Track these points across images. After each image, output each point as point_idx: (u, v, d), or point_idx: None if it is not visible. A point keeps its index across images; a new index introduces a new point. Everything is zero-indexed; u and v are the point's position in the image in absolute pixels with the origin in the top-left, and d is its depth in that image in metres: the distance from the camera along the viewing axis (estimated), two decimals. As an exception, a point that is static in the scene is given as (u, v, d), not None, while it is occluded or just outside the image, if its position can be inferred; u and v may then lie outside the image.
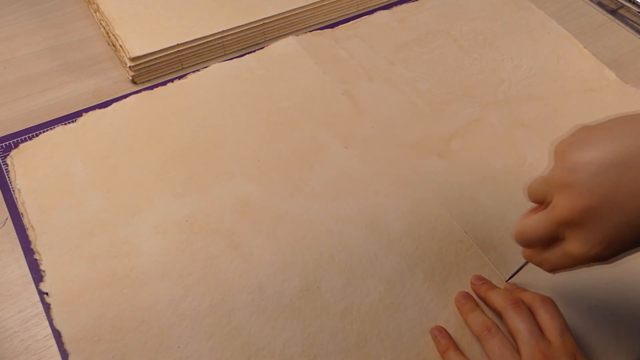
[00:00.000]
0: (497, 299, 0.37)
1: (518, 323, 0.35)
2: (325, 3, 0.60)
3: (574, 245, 0.29)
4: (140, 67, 0.52)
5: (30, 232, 0.41)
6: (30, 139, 0.47)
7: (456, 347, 0.37)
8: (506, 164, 0.49)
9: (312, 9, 0.60)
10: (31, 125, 0.48)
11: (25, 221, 0.41)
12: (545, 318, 0.35)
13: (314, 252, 0.42)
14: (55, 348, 0.36)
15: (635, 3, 0.66)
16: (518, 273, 0.40)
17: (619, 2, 0.67)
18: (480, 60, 0.58)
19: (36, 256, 0.40)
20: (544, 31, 0.62)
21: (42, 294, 0.38)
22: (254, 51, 0.56)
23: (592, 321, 0.39)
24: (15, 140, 0.47)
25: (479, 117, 0.53)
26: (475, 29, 0.62)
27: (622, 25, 0.65)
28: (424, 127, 0.51)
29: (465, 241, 0.43)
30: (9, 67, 0.54)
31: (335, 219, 0.44)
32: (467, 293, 0.40)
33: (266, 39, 0.59)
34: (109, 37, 0.55)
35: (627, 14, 0.66)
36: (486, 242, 0.43)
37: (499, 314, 0.37)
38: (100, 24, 0.57)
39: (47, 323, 0.37)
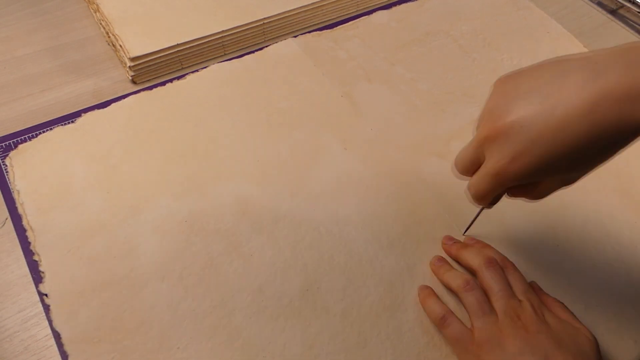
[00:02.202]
0: (471, 258, 0.40)
1: (492, 281, 0.38)
2: (324, 3, 0.60)
3: (489, 161, 0.32)
4: (140, 67, 0.52)
5: (29, 233, 0.41)
6: (29, 139, 0.47)
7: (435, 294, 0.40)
8: (506, 164, 0.49)
9: (311, 9, 0.60)
10: (30, 126, 0.48)
11: (24, 222, 0.41)
12: (512, 278, 0.38)
13: (314, 252, 0.42)
14: (55, 348, 0.36)
15: (635, 3, 0.66)
16: (472, 225, 0.43)
17: (619, 2, 0.67)
18: (480, 60, 0.58)
19: (35, 257, 0.40)
20: (544, 31, 0.62)
21: (42, 294, 0.38)
22: (254, 52, 0.56)
23: (592, 321, 0.39)
24: (14, 140, 0.47)
25: (479, 117, 0.53)
26: (474, 29, 0.62)
27: (622, 25, 0.65)
28: (424, 128, 0.51)
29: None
30: (9, 67, 0.54)
31: (335, 219, 0.44)
32: (441, 257, 0.42)
33: (266, 39, 0.59)
34: (109, 37, 0.55)
35: (627, 14, 0.66)
36: (485, 242, 0.43)
37: (473, 272, 0.40)
38: (100, 24, 0.57)
39: (46, 323, 0.37)
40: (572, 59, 0.30)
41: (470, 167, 0.35)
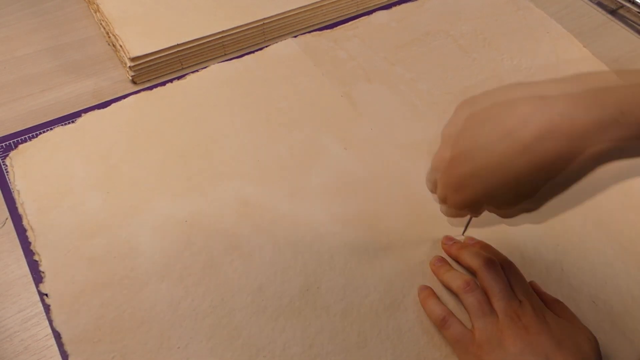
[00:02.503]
0: (471, 259, 0.40)
1: (492, 282, 0.37)
2: (324, 3, 0.60)
3: (438, 188, 0.34)
4: (140, 67, 0.52)
5: (29, 233, 0.41)
6: (29, 139, 0.47)
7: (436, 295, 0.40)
8: (506, 164, 0.49)
9: (311, 9, 0.60)
10: (31, 126, 0.48)
11: (24, 222, 0.41)
12: (512, 279, 0.38)
13: (314, 252, 0.42)
14: (55, 348, 0.36)
15: (635, 3, 0.66)
16: (472, 225, 0.43)
17: (618, 2, 0.67)
18: (480, 60, 0.58)
19: (36, 257, 0.40)
20: (544, 31, 0.62)
21: (42, 294, 0.38)
22: (254, 52, 0.56)
23: (592, 321, 0.39)
24: (15, 140, 0.47)
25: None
26: (474, 29, 0.62)
27: (622, 25, 0.65)
28: (424, 128, 0.51)
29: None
30: (9, 67, 0.54)
31: (335, 219, 0.44)
32: (441, 257, 0.42)
33: (266, 39, 0.59)
34: (109, 37, 0.55)
35: (627, 14, 0.66)
36: (485, 242, 0.43)
37: (473, 272, 0.40)
38: (101, 24, 0.57)
39: (47, 323, 0.37)
40: (522, 91, 0.30)
41: (432, 187, 0.36)
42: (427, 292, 0.40)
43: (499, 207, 0.32)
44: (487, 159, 0.29)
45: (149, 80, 0.54)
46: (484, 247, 0.42)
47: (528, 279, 0.40)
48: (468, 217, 0.41)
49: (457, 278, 0.39)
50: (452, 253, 0.42)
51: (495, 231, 0.44)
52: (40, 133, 0.47)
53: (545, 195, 0.30)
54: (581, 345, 0.34)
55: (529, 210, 0.32)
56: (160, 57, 0.53)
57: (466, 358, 0.36)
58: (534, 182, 0.29)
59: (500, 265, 0.39)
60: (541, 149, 0.27)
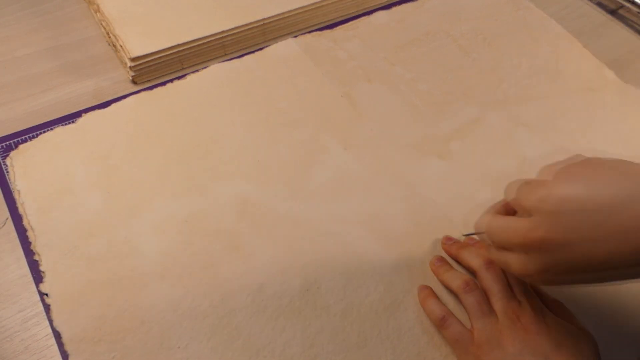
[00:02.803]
0: (471, 259, 0.40)
1: (492, 282, 0.38)
2: (325, 3, 0.60)
3: (515, 261, 0.32)
4: (140, 67, 0.52)
5: (30, 233, 0.41)
6: (30, 139, 0.47)
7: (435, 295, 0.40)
8: (506, 164, 0.49)
9: (312, 9, 0.60)
10: (31, 126, 0.48)
11: (24, 222, 0.41)
12: (512, 279, 0.38)
13: (314, 252, 0.42)
14: (55, 347, 0.36)
15: (635, 3, 0.66)
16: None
17: (618, 2, 0.67)
18: (480, 60, 0.58)
19: (36, 257, 0.40)
20: (544, 31, 0.62)
21: (42, 294, 0.38)
22: (254, 52, 0.56)
23: (592, 321, 0.39)
24: (15, 140, 0.47)
25: (479, 117, 0.53)
26: (474, 29, 0.62)
27: (622, 25, 0.65)
28: (424, 128, 0.51)
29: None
30: (9, 67, 0.54)
31: (335, 219, 0.44)
32: (441, 257, 0.42)
33: (266, 39, 0.59)
34: (109, 37, 0.55)
35: (627, 14, 0.66)
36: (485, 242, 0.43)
37: (473, 273, 0.40)
38: (101, 24, 0.57)
39: (47, 323, 0.37)
40: (630, 176, 0.29)
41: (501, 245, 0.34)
42: (426, 291, 0.40)
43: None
44: (588, 254, 0.28)
45: (149, 80, 0.54)
46: (484, 247, 0.42)
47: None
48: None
49: (456, 278, 0.39)
50: (452, 253, 0.42)
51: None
52: (41, 133, 0.47)
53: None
54: (580, 347, 0.34)
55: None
56: (160, 57, 0.53)
57: (465, 358, 0.36)
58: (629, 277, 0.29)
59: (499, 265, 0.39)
60: None
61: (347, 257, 0.42)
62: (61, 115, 0.49)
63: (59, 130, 0.47)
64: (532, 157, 0.50)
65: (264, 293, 0.39)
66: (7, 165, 0.45)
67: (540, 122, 0.53)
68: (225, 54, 0.57)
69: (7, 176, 0.44)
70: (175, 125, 0.49)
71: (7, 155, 0.45)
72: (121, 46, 0.52)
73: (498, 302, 0.37)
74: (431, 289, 0.40)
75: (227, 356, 0.36)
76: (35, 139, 0.47)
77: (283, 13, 0.58)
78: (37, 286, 0.39)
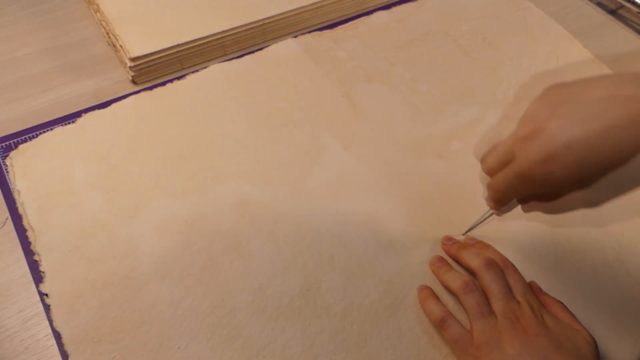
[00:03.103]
0: (470, 259, 0.40)
1: (492, 283, 0.38)
2: (325, 3, 0.60)
3: (519, 160, 0.32)
4: (140, 67, 0.52)
5: (29, 233, 0.41)
6: (30, 139, 0.47)
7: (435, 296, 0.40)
8: (506, 164, 0.49)
9: (312, 9, 0.60)
10: (31, 126, 0.48)
11: (24, 222, 0.41)
12: (512, 279, 0.39)
13: (314, 252, 0.42)
14: (55, 348, 0.36)
15: (635, 3, 0.66)
16: (475, 227, 0.43)
17: (618, 2, 0.67)
18: (480, 60, 0.58)
19: (36, 257, 0.40)
20: (543, 31, 0.62)
21: (42, 294, 0.38)
22: (254, 52, 0.56)
23: (592, 321, 0.39)
24: (15, 140, 0.47)
25: (479, 117, 0.53)
26: (474, 29, 0.62)
27: (622, 25, 0.65)
28: (424, 128, 0.51)
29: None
30: (9, 67, 0.54)
31: (335, 219, 0.44)
32: (441, 257, 0.42)
33: (266, 39, 0.59)
34: (109, 37, 0.55)
35: (627, 14, 0.66)
36: (485, 242, 0.43)
37: (472, 273, 0.40)
38: (101, 24, 0.57)
39: (47, 323, 0.37)
40: (621, 73, 0.30)
41: (497, 166, 0.35)
42: (426, 292, 0.40)
43: (573, 188, 0.31)
44: (586, 132, 0.29)
45: (149, 80, 0.54)
46: (484, 247, 0.42)
47: (528, 280, 0.40)
48: (480, 216, 0.41)
49: (456, 278, 0.39)
50: (451, 253, 0.42)
51: (496, 231, 0.44)
52: (41, 133, 0.47)
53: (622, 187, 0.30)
54: (580, 347, 0.34)
55: (591, 205, 0.32)
56: (160, 57, 0.53)
57: (465, 359, 0.36)
58: (622, 160, 0.29)
59: (499, 265, 0.39)
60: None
61: (347, 257, 0.42)
62: (61, 115, 0.49)
63: (58, 130, 0.47)
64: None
65: (264, 293, 0.39)
66: (7, 166, 0.45)
67: (540, 122, 0.53)
68: (225, 54, 0.57)
69: (7, 176, 0.44)
70: (175, 125, 0.49)
71: (7, 155, 0.45)
72: (121, 46, 0.52)
73: (497, 302, 0.37)
74: (431, 289, 0.40)
75: (227, 356, 0.36)
76: (35, 139, 0.47)
77: (283, 13, 0.58)
78: (37, 286, 0.39)
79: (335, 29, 0.60)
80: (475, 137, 0.51)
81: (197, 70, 0.54)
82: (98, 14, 0.57)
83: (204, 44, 0.55)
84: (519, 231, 0.44)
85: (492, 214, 0.40)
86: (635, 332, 0.39)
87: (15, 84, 0.52)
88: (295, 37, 0.58)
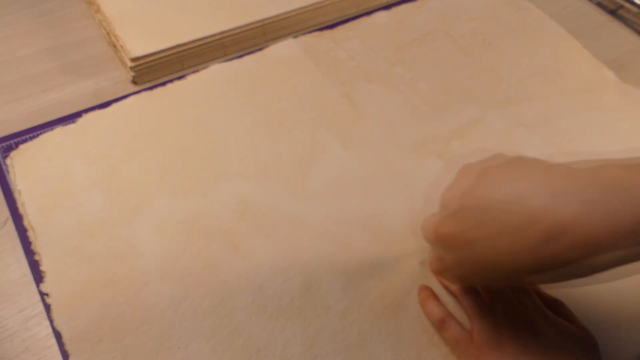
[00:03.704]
0: (451, 283, 0.40)
1: (469, 304, 0.37)
2: (325, 3, 0.60)
3: (434, 256, 0.36)
4: (140, 67, 0.52)
5: (30, 233, 0.41)
6: (30, 139, 0.47)
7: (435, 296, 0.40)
8: (506, 164, 0.49)
9: (312, 9, 0.60)
10: (31, 126, 0.48)
11: (25, 222, 0.41)
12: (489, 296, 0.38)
13: (314, 252, 0.42)
14: (55, 347, 0.36)
15: (635, 3, 0.66)
16: None
17: (618, 2, 0.67)
18: (480, 60, 0.58)
19: (36, 257, 0.40)
20: (543, 31, 0.62)
21: (42, 294, 0.38)
22: (254, 52, 0.56)
23: (592, 321, 0.39)
24: (15, 140, 0.47)
25: (479, 117, 0.53)
26: (474, 29, 0.62)
27: (622, 25, 0.65)
28: (424, 128, 0.51)
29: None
30: (9, 67, 0.54)
31: (335, 219, 0.44)
32: (425, 285, 0.41)
33: (266, 40, 0.59)
34: (110, 37, 0.55)
35: (627, 14, 0.66)
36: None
37: (455, 296, 0.40)
38: (101, 24, 0.57)
39: (47, 322, 0.37)
40: (534, 176, 0.28)
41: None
42: (426, 292, 0.40)
43: (496, 286, 0.34)
44: (490, 251, 0.29)
45: (149, 80, 0.54)
46: None
47: (528, 279, 0.40)
48: None
49: (433, 313, 0.39)
50: (435, 274, 0.41)
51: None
52: (41, 133, 0.47)
53: (555, 279, 0.30)
54: (581, 346, 0.34)
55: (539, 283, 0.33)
56: (160, 57, 0.53)
57: (465, 359, 0.36)
58: (538, 276, 0.29)
59: None
60: (548, 252, 0.26)
61: (347, 257, 0.42)
62: (61, 116, 0.49)
63: (59, 130, 0.48)
64: (532, 157, 0.50)
65: (264, 293, 0.39)
66: (7, 166, 0.45)
67: (540, 122, 0.53)
68: (226, 55, 0.57)
69: (7, 176, 0.44)
70: (175, 125, 0.49)
71: (8, 156, 0.45)
72: (121, 46, 0.52)
73: (497, 302, 0.36)
74: (431, 289, 0.40)
75: (227, 356, 0.36)
76: (36, 139, 0.47)
77: (283, 13, 0.58)
78: (37, 286, 0.39)
79: (335, 29, 0.60)
80: (475, 137, 0.51)
81: (197, 71, 0.54)
82: (98, 14, 0.57)
83: (204, 44, 0.55)
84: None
85: None
86: (635, 332, 0.39)
87: (15, 84, 0.52)
88: (296, 37, 0.59)
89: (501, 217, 0.28)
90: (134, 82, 0.53)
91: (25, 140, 0.47)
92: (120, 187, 0.44)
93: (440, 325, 0.38)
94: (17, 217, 0.42)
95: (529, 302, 0.36)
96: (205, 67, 0.54)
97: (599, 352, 0.35)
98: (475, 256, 0.30)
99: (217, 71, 0.54)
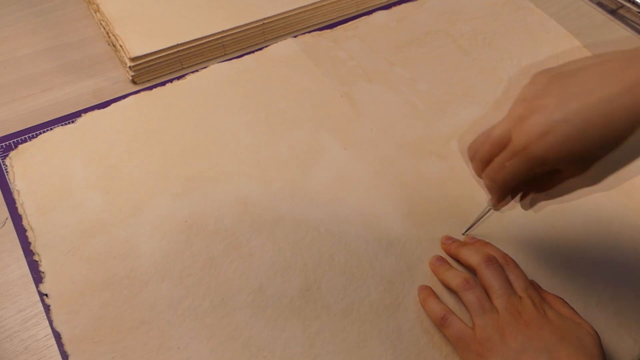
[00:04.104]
0: (470, 256, 0.40)
1: (492, 279, 0.38)
2: (324, 3, 0.60)
3: (515, 139, 0.32)
4: (140, 67, 0.52)
5: (29, 234, 0.41)
6: (30, 139, 0.47)
7: (435, 295, 0.40)
8: (506, 164, 0.49)
9: (311, 9, 0.60)
10: (30, 126, 0.48)
11: (24, 222, 0.41)
12: (512, 275, 0.39)
13: (314, 252, 0.42)
14: (55, 348, 0.36)
15: (635, 3, 0.66)
16: (475, 226, 0.43)
17: (619, 2, 0.67)
18: (480, 60, 0.58)
19: (36, 257, 0.40)
20: (543, 31, 0.62)
21: (42, 294, 0.38)
22: (253, 52, 0.56)
23: (593, 320, 0.39)
24: (15, 140, 0.47)
25: (479, 117, 0.53)
26: (474, 29, 0.62)
27: (622, 25, 0.65)
28: (424, 128, 0.51)
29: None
30: (9, 67, 0.54)
31: (335, 219, 0.44)
32: (441, 256, 0.42)
33: (266, 39, 0.59)
34: (109, 37, 0.55)
35: (627, 14, 0.66)
36: (485, 240, 0.43)
37: (473, 270, 0.40)
38: (101, 24, 0.57)
39: (47, 323, 0.37)
40: (608, 53, 0.31)
41: (491, 152, 0.34)
42: (427, 291, 0.40)
43: (572, 164, 0.31)
44: (580, 104, 0.29)
45: (149, 80, 0.54)
46: (484, 245, 0.42)
47: (529, 279, 0.40)
48: (478, 215, 0.41)
49: (456, 276, 0.39)
50: (451, 252, 0.42)
51: (496, 231, 0.44)
52: (40, 133, 0.47)
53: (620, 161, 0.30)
54: (583, 339, 0.34)
55: (590, 183, 0.32)
56: (160, 57, 0.53)
57: (468, 356, 0.36)
58: (623, 133, 0.29)
59: (499, 262, 0.39)
60: (636, 97, 0.28)
61: (347, 257, 0.42)
62: (61, 115, 0.49)
63: (58, 130, 0.47)
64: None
65: (264, 293, 0.39)
66: (6, 166, 0.45)
67: (540, 122, 0.53)
68: (225, 54, 0.57)
69: (6, 176, 0.44)
70: (175, 125, 0.49)
71: (7, 156, 0.45)
72: (121, 46, 0.52)
73: (499, 298, 0.36)
74: (431, 288, 0.40)
75: (227, 356, 0.36)
76: (35, 139, 0.47)
77: (283, 13, 0.58)
78: (37, 286, 0.39)
79: (335, 29, 0.60)
80: (475, 137, 0.51)
81: (197, 70, 0.54)
82: (98, 13, 0.57)
83: (203, 43, 0.55)
84: (520, 232, 0.44)
85: (490, 211, 0.39)
86: (635, 332, 0.39)
87: (15, 84, 0.52)
88: (295, 37, 0.58)
89: (591, 76, 0.30)
90: (134, 81, 0.53)
91: (25, 140, 0.47)
92: (120, 187, 0.44)
93: (441, 323, 0.37)
94: (16, 217, 0.42)
95: (530, 297, 0.37)
96: (204, 67, 0.54)
97: (602, 345, 0.35)
98: (569, 113, 0.29)
99: (216, 71, 0.54)
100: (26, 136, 0.47)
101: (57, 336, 0.36)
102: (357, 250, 0.42)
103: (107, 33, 0.55)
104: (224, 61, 0.55)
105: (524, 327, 0.35)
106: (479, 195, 0.47)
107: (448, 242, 0.43)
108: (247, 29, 0.57)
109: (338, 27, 0.60)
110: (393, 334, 0.38)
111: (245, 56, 0.56)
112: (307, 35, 0.59)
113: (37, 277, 0.39)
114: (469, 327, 0.37)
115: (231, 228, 0.42)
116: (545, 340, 0.34)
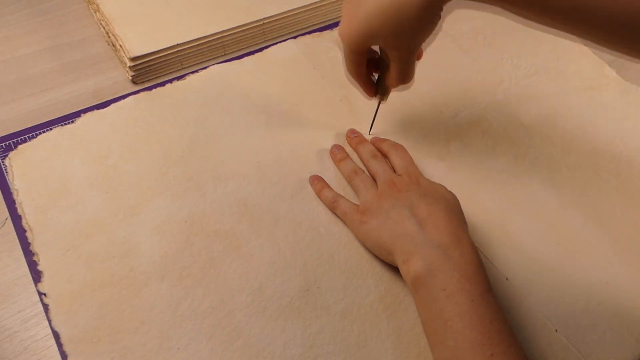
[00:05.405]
0: (362, 151, 0.47)
1: (376, 166, 0.45)
2: (324, 3, 0.60)
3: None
4: (140, 67, 0.52)
5: (28, 233, 0.41)
6: (29, 139, 0.47)
7: (329, 186, 0.45)
8: (506, 164, 0.49)
9: (311, 9, 0.60)
10: (30, 126, 0.48)
11: (23, 222, 0.41)
12: (395, 158, 0.46)
13: (314, 252, 0.42)
14: (55, 348, 0.36)
15: (635, 2, 0.66)
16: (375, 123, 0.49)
17: (619, 1, 0.67)
18: (480, 60, 0.58)
19: (35, 257, 0.40)
20: (544, 30, 0.62)
21: (41, 294, 0.38)
22: (253, 53, 0.56)
23: (593, 320, 0.39)
24: (14, 140, 0.47)
25: (479, 117, 0.53)
26: (474, 29, 0.62)
27: (622, 24, 0.65)
28: (423, 129, 0.51)
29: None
30: (9, 67, 0.54)
31: (334, 219, 0.44)
32: (340, 145, 0.48)
33: (266, 39, 0.59)
34: (109, 37, 0.55)
35: (627, 14, 0.66)
36: (485, 241, 0.43)
37: (364, 163, 0.47)
38: (100, 24, 0.57)
39: (46, 323, 0.37)
40: None
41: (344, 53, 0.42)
42: (321, 183, 0.45)
43: (380, 41, 0.39)
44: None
45: (148, 80, 0.54)
46: (381, 141, 0.48)
47: (529, 278, 0.40)
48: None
49: (346, 167, 0.46)
50: (352, 145, 0.49)
51: (497, 230, 0.44)
52: (40, 133, 0.47)
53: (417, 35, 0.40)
54: (444, 194, 0.40)
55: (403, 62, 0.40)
56: (160, 57, 0.53)
57: (354, 225, 0.42)
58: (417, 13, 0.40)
59: (389, 148, 0.46)
60: None
61: (347, 257, 0.42)
62: (60, 115, 0.49)
63: (58, 130, 0.47)
64: (532, 156, 0.50)
65: (263, 293, 0.39)
66: (6, 166, 0.45)
67: (540, 121, 0.53)
68: (225, 54, 0.57)
69: (6, 176, 0.44)
70: (174, 125, 0.49)
71: (6, 156, 0.45)
72: (121, 46, 0.52)
73: (380, 177, 0.43)
74: (323, 180, 0.45)
75: (227, 357, 0.36)
76: (34, 139, 0.47)
77: (282, 13, 0.58)
78: (36, 286, 0.38)
79: (335, 29, 0.60)
80: (475, 137, 0.51)
81: (196, 71, 0.54)
82: (98, 13, 0.57)
83: (203, 43, 0.55)
84: (520, 231, 0.44)
85: (379, 104, 0.47)
86: (635, 332, 0.39)
87: (15, 84, 0.52)
88: (295, 37, 0.58)
89: None
90: (133, 81, 0.53)
91: (24, 140, 0.47)
92: (119, 187, 0.44)
93: (333, 205, 0.43)
94: (16, 218, 0.42)
95: (408, 173, 0.43)
96: (204, 67, 0.54)
97: (460, 206, 0.40)
98: (362, 3, 0.38)
99: (216, 72, 0.54)
100: (26, 136, 0.47)
101: (56, 336, 0.36)
102: (357, 250, 0.42)
103: (107, 33, 0.55)
104: (224, 62, 0.55)
105: (395, 192, 0.41)
106: (479, 195, 0.46)
107: (352, 135, 0.49)
108: (247, 29, 0.57)
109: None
110: (393, 334, 0.38)
111: (245, 57, 0.56)
112: (307, 36, 0.59)
113: (37, 277, 0.39)
114: (355, 204, 0.43)
115: (231, 229, 0.42)
116: (410, 198, 0.40)
